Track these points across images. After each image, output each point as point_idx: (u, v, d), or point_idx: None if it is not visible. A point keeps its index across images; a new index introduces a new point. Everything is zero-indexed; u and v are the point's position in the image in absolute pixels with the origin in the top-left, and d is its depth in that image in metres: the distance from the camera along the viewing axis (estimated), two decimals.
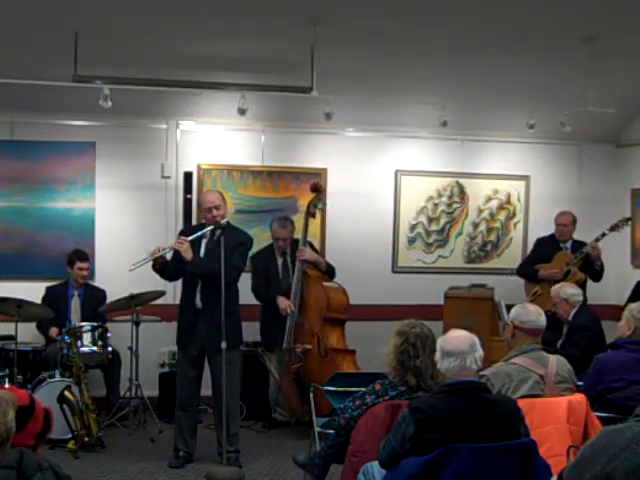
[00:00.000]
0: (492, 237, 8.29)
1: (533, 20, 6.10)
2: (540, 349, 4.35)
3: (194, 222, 7.25)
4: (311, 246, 6.98)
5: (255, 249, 6.59)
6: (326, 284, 6.83)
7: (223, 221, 5.75)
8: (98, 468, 5.80)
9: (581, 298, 6.21)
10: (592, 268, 7.31)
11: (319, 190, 6.85)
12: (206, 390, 6.08)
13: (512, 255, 8.22)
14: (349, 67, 6.75)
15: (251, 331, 6.77)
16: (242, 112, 6.45)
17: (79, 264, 7.01)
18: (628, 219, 7.48)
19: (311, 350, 6.64)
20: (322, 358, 6.62)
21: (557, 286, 6.38)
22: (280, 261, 6.97)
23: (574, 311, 6.14)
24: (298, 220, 7.19)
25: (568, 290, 6.19)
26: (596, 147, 8.39)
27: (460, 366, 3.53)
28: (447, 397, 3.49)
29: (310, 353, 6.65)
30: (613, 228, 7.25)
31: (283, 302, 6.69)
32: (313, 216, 6.87)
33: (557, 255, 7.35)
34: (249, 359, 7.13)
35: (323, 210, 7.12)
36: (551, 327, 5.28)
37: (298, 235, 6.95)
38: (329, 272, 6.94)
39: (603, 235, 7.19)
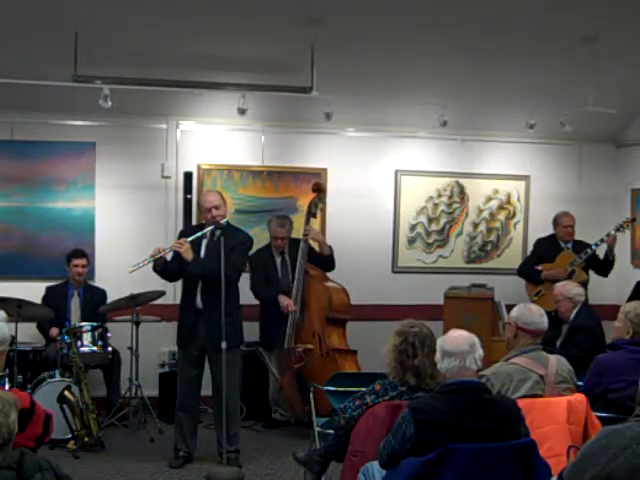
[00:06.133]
0: (492, 237, 8.29)
1: (533, 20, 6.10)
2: (540, 349, 4.35)
3: (194, 222, 7.24)
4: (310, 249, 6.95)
5: (255, 249, 6.58)
6: (328, 284, 6.82)
7: (223, 221, 5.75)
8: (98, 468, 5.80)
9: (584, 298, 6.21)
10: (596, 265, 7.31)
11: (321, 190, 6.87)
12: (206, 390, 6.09)
13: (512, 255, 8.21)
14: (349, 67, 6.74)
15: (251, 331, 6.77)
16: (242, 112, 6.46)
17: (75, 261, 7.02)
18: (633, 219, 7.47)
19: (312, 350, 6.64)
20: (323, 358, 6.61)
21: (561, 283, 6.37)
22: (279, 260, 6.96)
23: (575, 311, 6.13)
24: (298, 220, 7.18)
25: (572, 289, 6.19)
26: (596, 147, 8.38)
27: (460, 366, 3.53)
28: (447, 397, 3.49)
29: (311, 353, 6.64)
30: (618, 229, 7.21)
31: (285, 301, 6.69)
32: (314, 216, 6.89)
33: (560, 255, 7.34)
34: (249, 359, 7.13)
35: (323, 210, 7.12)
36: (551, 326, 5.29)
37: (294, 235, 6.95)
38: (331, 258, 6.93)
39: (608, 236, 7.18)
